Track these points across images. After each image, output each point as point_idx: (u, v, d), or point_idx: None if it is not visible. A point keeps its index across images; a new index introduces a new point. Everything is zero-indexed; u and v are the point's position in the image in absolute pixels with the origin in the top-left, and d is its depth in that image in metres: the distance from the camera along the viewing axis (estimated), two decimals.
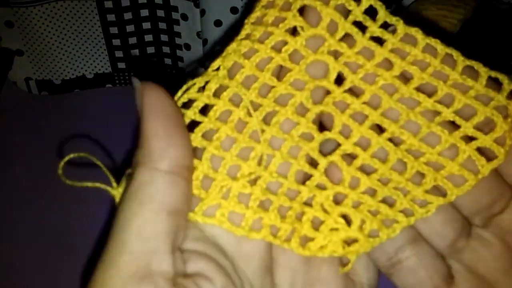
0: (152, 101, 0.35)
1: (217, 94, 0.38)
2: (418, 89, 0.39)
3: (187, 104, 0.38)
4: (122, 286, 0.33)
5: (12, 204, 0.73)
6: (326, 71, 0.39)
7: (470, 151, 0.39)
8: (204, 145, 0.37)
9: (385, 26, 0.39)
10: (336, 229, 0.39)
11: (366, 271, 0.42)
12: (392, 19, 0.39)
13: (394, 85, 0.39)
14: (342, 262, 0.40)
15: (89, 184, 0.38)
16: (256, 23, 0.40)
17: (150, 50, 0.79)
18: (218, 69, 0.39)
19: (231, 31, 0.77)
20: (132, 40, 0.78)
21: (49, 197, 0.73)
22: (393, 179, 0.39)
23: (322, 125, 0.41)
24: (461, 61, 0.39)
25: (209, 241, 0.37)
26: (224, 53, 0.39)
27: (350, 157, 0.40)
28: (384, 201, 0.40)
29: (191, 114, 0.37)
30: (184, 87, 0.38)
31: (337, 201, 0.40)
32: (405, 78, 0.39)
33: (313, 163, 0.39)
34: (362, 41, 0.39)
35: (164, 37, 0.78)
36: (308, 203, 0.39)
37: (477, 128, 0.39)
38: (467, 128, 0.39)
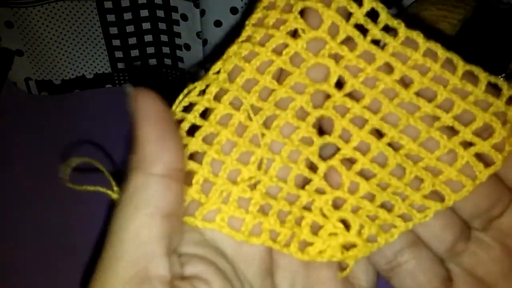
0: (145, 106, 0.36)
1: (217, 97, 0.38)
2: (418, 93, 0.39)
3: (188, 108, 0.38)
4: None
5: (12, 204, 0.74)
6: (327, 74, 0.39)
7: (468, 156, 0.39)
8: (204, 149, 0.37)
9: (386, 28, 0.39)
10: (335, 234, 0.39)
11: (365, 274, 0.42)
12: (394, 22, 0.39)
13: (395, 90, 0.39)
14: (341, 265, 0.40)
15: (91, 188, 0.38)
16: (257, 24, 0.40)
17: (150, 50, 0.80)
18: (218, 72, 0.39)
19: (231, 32, 0.77)
20: (132, 41, 0.78)
21: (49, 197, 0.73)
22: (392, 184, 0.39)
23: (321, 129, 0.41)
24: (461, 66, 0.39)
25: (209, 244, 0.38)
26: (225, 56, 0.39)
27: (349, 162, 0.40)
28: (382, 206, 0.40)
29: (192, 118, 0.38)
30: (185, 91, 0.38)
31: (336, 205, 0.40)
32: (405, 82, 0.40)
33: (313, 167, 0.40)
34: (363, 44, 0.39)
35: (164, 38, 0.78)
36: (307, 208, 0.39)
37: (476, 133, 0.40)
38: (466, 133, 0.39)
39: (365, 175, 0.40)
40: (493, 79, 0.40)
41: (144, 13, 0.76)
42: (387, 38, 0.39)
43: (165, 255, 0.34)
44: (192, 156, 0.38)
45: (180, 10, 0.74)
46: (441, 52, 0.39)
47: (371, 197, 0.40)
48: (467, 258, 0.42)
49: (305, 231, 0.39)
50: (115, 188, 0.37)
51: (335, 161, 0.39)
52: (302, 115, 0.39)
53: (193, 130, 0.38)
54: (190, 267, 0.36)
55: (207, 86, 0.38)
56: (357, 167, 0.39)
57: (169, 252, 0.35)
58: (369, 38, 0.39)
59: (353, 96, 0.40)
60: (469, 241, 0.42)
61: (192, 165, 0.37)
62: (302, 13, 0.39)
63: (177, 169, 0.36)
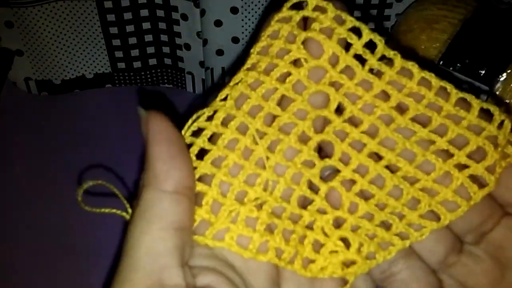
0: (156, 127, 0.39)
1: (225, 123, 0.42)
2: (414, 119, 0.43)
3: (197, 133, 0.42)
4: None
5: (12, 204, 0.75)
6: (327, 101, 0.43)
7: (463, 178, 0.43)
8: (213, 172, 0.41)
9: (383, 59, 0.43)
10: (336, 252, 0.43)
11: (364, 283, 0.46)
12: (390, 53, 0.42)
13: (391, 116, 0.43)
14: (343, 278, 0.44)
15: (106, 210, 0.42)
16: (261, 53, 0.43)
17: (150, 50, 0.81)
18: (225, 98, 0.42)
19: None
20: (132, 40, 0.80)
21: (49, 197, 0.75)
22: (389, 204, 0.43)
23: (321, 147, 0.45)
24: (455, 94, 0.43)
25: (218, 257, 0.41)
26: (231, 83, 0.43)
27: (349, 183, 0.43)
28: (381, 225, 0.44)
29: (201, 142, 0.41)
30: (194, 116, 0.42)
31: (337, 225, 0.44)
32: (401, 109, 0.43)
33: (314, 189, 0.43)
34: (361, 73, 0.42)
35: (164, 37, 0.80)
36: (309, 227, 0.43)
37: (470, 156, 0.43)
38: (460, 156, 0.43)
39: (364, 196, 0.44)
40: (485, 105, 0.43)
41: (144, 13, 0.77)
42: (384, 68, 0.42)
43: (179, 265, 0.38)
44: (201, 179, 0.41)
45: (180, 10, 0.75)
46: (435, 81, 0.42)
47: (370, 217, 0.43)
48: (458, 270, 0.45)
49: (308, 249, 0.43)
50: (129, 210, 0.41)
51: (335, 183, 0.43)
52: (304, 139, 0.43)
53: (201, 154, 0.42)
54: (202, 278, 0.39)
55: (215, 112, 0.42)
56: (356, 188, 0.43)
57: (182, 263, 0.38)
58: (367, 67, 0.42)
59: (352, 121, 0.43)
60: (461, 254, 0.45)
61: (201, 187, 0.41)
62: (304, 42, 0.42)
63: (187, 186, 0.39)
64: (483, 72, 0.65)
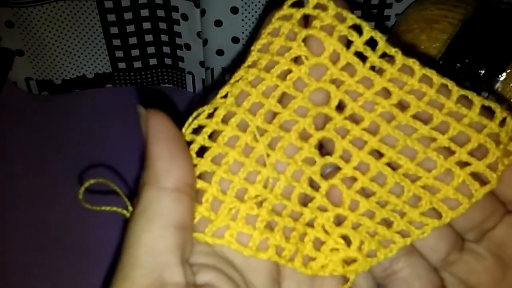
0: (156, 126, 0.39)
1: (225, 120, 0.42)
2: (415, 116, 0.43)
3: (197, 130, 0.42)
4: None
5: (12, 204, 0.75)
6: (328, 98, 0.43)
7: (464, 176, 0.43)
8: (213, 169, 0.41)
9: (384, 56, 0.43)
10: (336, 249, 0.43)
11: (366, 281, 0.46)
12: (391, 50, 0.42)
13: (392, 113, 0.42)
14: (344, 276, 0.44)
15: (107, 208, 0.42)
16: (262, 50, 0.43)
17: (151, 50, 0.81)
18: (226, 96, 0.42)
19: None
20: (132, 40, 0.79)
21: (49, 196, 0.75)
22: (390, 201, 0.43)
23: (322, 145, 0.45)
24: (456, 91, 0.42)
25: (218, 255, 0.41)
26: (232, 80, 0.42)
27: (350, 181, 0.43)
28: (382, 222, 0.43)
29: (201, 139, 0.41)
30: (194, 114, 0.42)
31: (338, 222, 0.44)
32: (403, 106, 0.43)
33: (315, 186, 0.43)
34: (362, 70, 0.42)
35: (165, 37, 0.79)
36: (310, 224, 0.43)
37: (471, 154, 0.43)
38: (462, 154, 0.43)
39: (365, 193, 0.43)
40: (486, 102, 0.43)
41: (145, 12, 0.77)
42: (385, 65, 0.42)
43: (180, 264, 0.38)
44: (201, 176, 0.41)
45: (180, 10, 0.75)
46: (436, 78, 0.42)
47: (371, 214, 0.43)
48: (460, 267, 0.45)
49: (308, 247, 0.43)
50: (130, 208, 0.40)
51: (336, 180, 0.43)
52: (305, 136, 0.43)
53: (202, 151, 0.42)
54: (202, 276, 0.39)
55: (215, 109, 0.42)
56: (357, 185, 0.43)
57: (183, 261, 0.38)
58: (368, 64, 0.42)
59: (353, 118, 0.43)
60: (463, 251, 0.45)
61: (201, 184, 0.41)
62: (305, 40, 0.42)
63: (188, 184, 0.39)
64: (482, 72, 0.65)
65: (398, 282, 0.45)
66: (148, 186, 0.39)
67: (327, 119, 0.43)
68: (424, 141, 0.43)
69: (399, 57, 0.42)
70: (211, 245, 0.41)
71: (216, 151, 0.41)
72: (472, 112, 0.43)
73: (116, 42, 0.80)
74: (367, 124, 0.43)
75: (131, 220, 0.39)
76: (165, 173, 0.38)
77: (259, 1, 0.75)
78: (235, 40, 0.79)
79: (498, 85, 0.64)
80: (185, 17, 0.76)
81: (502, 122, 0.43)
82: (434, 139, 0.43)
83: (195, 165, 0.41)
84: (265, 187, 0.42)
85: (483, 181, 0.43)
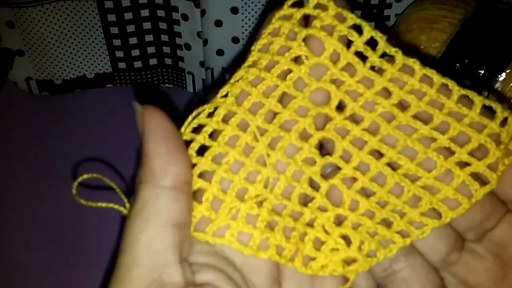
0: (152, 122, 0.39)
1: (225, 119, 0.41)
2: (415, 116, 0.42)
3: (197, 129, 0.41)
4: None
5: (12, 204, 0.75)
6: (328, 98, 0.43)
7: (464, 176, 0.42)
8: (213, 169, 0.41)
9: (384, 56, 0.42)
10: (337, 249, 0.43)
11: (366, 281, 0.45)
12: (391, 50, 0.42)
13: (392, 113, 0.42)
14: (344, 276, 0.44)
15: (103, 204, 0.41)
16: (262, 50, 0.43)
17: (151, 50, 0.81)
18: (226, 95, 0.42)
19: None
20: (133, 40, 0.80)
21: (49, 196, 0.75)
22: (390, 201, 0.43)
23: (321, 144, 0.44)
24: (457, 91, 0.42)
25: (218, 254, 0.41)
26: (232, 80, 0.42)
27: (350, 181, 0.43)
28: (382, 222, 0.43)
29: (201, 139, 0.41)
30: (194, 113, 0.42)
31: (338, 222, 0.43)
32: (403, 106, 0.43)
33: (315, 186, 0.43)
34: (362, 70, 0.42)
35: (165, 37, 0.80)
36: (310, 224, 0.43)
37: (471, 154, 0.43)
38: (462, 154, 0.42)
39: (365, 194, 0.43)
40: (487, 102, 0.42)
41: (145, 13, 0.77)
42: (385, 65, 0.42)
43: (178, 262, 0.38)
44: (201, 175, 0.41)
45: (180, 10, 0.75)
46: (437, 78, 0.42)
47: (371, 214, 0.43)
48: (460, 268, 0.45)
49: (308, 247, 0.42)
50: (127, 205, 0.40)
51: (336, 180, 0.43)
52: (305, 136, 0.42)
53: (202, 150, 0.41)
54: (201, 275, 0.39)
55: (216, 108, 0.42)
56: (357, 185, 0.43)
57: (181, 259, 0.38)
58: (368, 64, 0.42)
59: (353, 119, 0.43)
60: (463, 251, 0.45)
61: (201, 183, 0.41)
62: (305, 40, 0.42)
63: (185, 182, 0.39)
64: (482, 72, 0.65)
65: (398, 282, 0.44)
66: (145, 185, 0.38)
67: (327, 119, 0.43)
68: (424, 141, 0.43)
69: (399, 57, 0.42)
70: (211, 245, 0.41)
71: (216, 151, 0.41)
72: (472, 112, 0.42)
73: (116, 42, 0.80)
74: (367, 124, 0.42)
75: (128, 219, 0.38)
76: (162, 171, 0.38)
77: (259, 1, 0.75)
78: (235, 40, 0.79)
79: (497, 85, 0.64)
80: (185, 17, 0.76)
81: (503, 122, 0.43)
82: (434, 139, 0.43)
83: (195, 164, 0.41)
84: (265, 187, 0.42)
85: (483, 181, 0.43)
